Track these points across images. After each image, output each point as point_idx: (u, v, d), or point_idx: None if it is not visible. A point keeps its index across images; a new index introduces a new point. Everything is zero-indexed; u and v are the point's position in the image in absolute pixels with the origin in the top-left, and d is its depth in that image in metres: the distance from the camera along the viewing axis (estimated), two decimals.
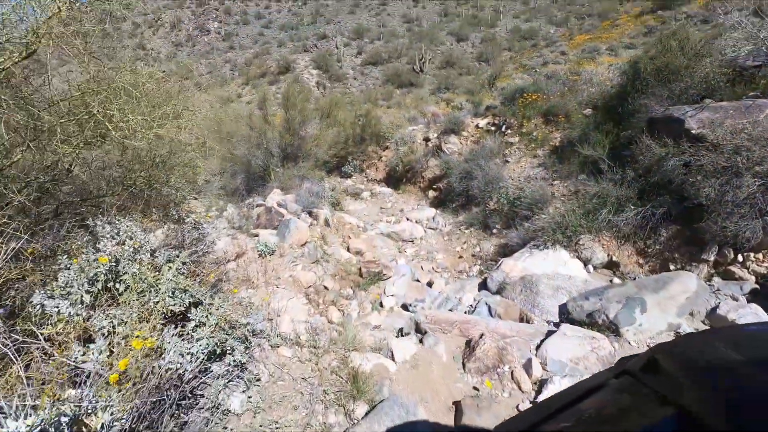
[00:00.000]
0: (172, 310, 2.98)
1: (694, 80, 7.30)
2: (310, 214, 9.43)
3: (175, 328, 2.89)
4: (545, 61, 32.98)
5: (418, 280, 7.80)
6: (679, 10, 30.17)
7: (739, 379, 0.89)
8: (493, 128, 12.80)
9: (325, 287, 6.05)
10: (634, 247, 6.50)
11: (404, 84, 40.30)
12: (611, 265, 6.56)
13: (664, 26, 30.67)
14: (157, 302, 2.93)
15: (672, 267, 6.03)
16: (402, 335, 4.87)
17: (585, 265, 6.62)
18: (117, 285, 2.97)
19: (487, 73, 34.73)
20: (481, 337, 4.17)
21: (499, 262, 7.06)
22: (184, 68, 52.76)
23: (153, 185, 3.90)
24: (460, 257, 8.81)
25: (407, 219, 11.44)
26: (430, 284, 7.48)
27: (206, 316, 3.00)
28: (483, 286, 7.15)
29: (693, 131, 6.39)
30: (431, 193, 12.92)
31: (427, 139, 15.15)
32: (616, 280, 6.28)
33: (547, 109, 11.37)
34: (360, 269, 7.25)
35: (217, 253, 5.76)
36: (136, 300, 2.94)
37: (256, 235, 6.89)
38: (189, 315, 3.01)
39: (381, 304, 6.30)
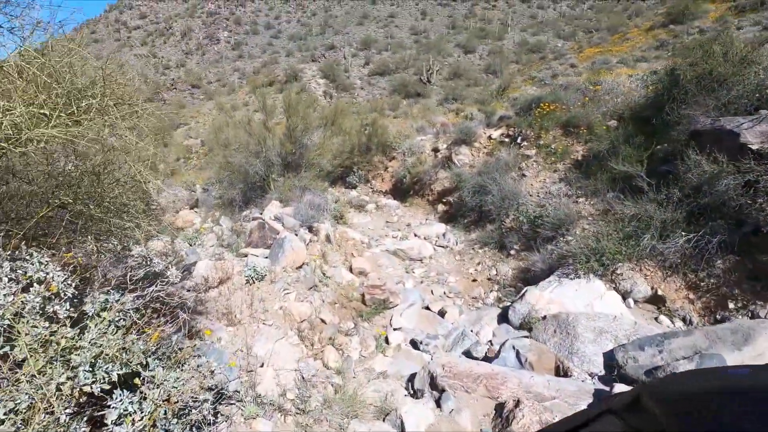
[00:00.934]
0: (89, 392, 2.02)
1: (745, 89, 6.33)
2: (310, 229, 8.48)
3: (89, 424, 1.92)
4: (555, 73, 32.15)
5: (428, 308, 6.81)
6: (692, 25, 29.29)
7: (722, 423, 0.83)
8: (507, 140, 11.85)
9: (322, 320, 5.06)
10: (684, 279, 5.49)
11: (411, 94, 39.52)
12: (655, 300, 5.55)
13: (676, 40, 29.83)
14: (66, 381, 1.96)
15: (731, 305, 5.02)
16: (414, 391, 3.88)
17: (624, 298, 5.61)
18: (11, 352, 2.01)
19: (496, 85, 33.94)
20: (517, 406, 3.18)
21: (522, 291, 6.07)
22: (193, 75, 52.45)
23: (86, 204, 2.97)
24: (474, 280, 7.82)
25: (415, 235, 10.46)
26: (442, 313, 6.48)
27: (138, 402, 2.02)
28: (503, 317, 6.15)
29: (752, 146, 5.40)
30: (440, 207, 11.95)
31: (436, 150, 14.23)
32: (664, 319, 5.26)
33: (567, 120, 10.42)
34: (363, 295, 6.27)
35: (196, 278, 4.81)
36: (38, 375, 1.98)
37: (246, 256, 5.94)
38: (114, 398, 2.04)
39: (387, 340, 5.30)
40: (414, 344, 5.34)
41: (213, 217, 10.78)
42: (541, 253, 6.98)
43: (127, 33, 64.20)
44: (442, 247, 9.52)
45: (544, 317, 5.43)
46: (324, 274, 6.89)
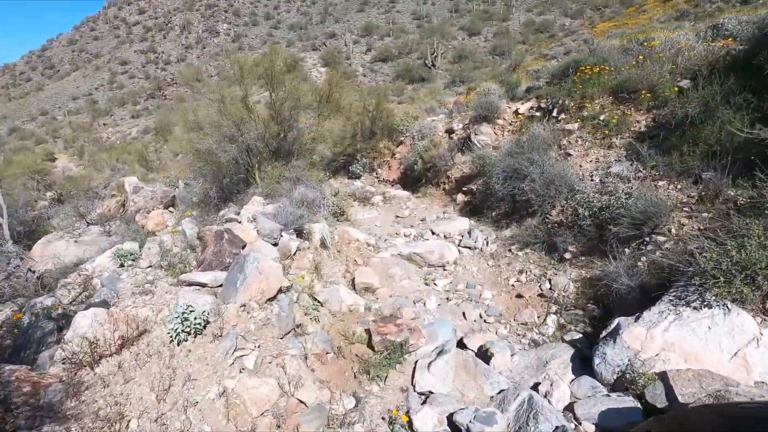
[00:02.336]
0: None
1: None
2: (299, 233, 6.32)
3: None
4: (567, 50, 29.52)
5: (462, 343, 4.64)
6: None
7: None
8: (538, 113, 9.55)
9: (301, 401, 2.91)
10: None
11: (415, 79, 37.04)
12: None
13: (698, 9, 27.05)
14: None
15: None
16: None
17: None
18: None
19: (505, 65, 31.39)
20: None
21: (613, 325, 3.88)
22: (193, 70, 50.12)
23: None
24: (519, 296, 5.63)
25: (432, 233, 8.27)
26: (484, 354, 4.33)
27: None
28: (580, 362, 3.98)
29: None
30: (460, 197, 9.73)
31: (450, 131, 11.95)
32: None
33: (618, 84, 8.09)
34: (369, 334, 4.12)
35: (73, 342, 2.66)
36: None
37: (189, 285, 3.79)
38: None
39: (410, 426, 3.14)
40: (454, 427, 3.18)
41: (190, 217, 8.66)
42: (619, 261, 4.77)
43: (127, 29, 61.78)
44: (469, 248, 7.32)
45: (662, 375, 3.25)
46: (315, 299, 4.75)
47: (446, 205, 9.95)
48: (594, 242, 5.66)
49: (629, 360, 3.50)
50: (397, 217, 9.82)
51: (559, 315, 4.98)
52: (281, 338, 3.44)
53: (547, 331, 4.81)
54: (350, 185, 13.33)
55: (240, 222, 6.37)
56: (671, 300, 3.71)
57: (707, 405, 2.78)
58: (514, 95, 10.92)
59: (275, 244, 5.10)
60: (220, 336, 2.98)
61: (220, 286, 3.77)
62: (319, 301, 4.74)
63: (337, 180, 14.65)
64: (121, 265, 4.45)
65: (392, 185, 13.10)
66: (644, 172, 6.01)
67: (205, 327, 3.03)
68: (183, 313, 2.88)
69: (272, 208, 6.40)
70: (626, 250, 5.06)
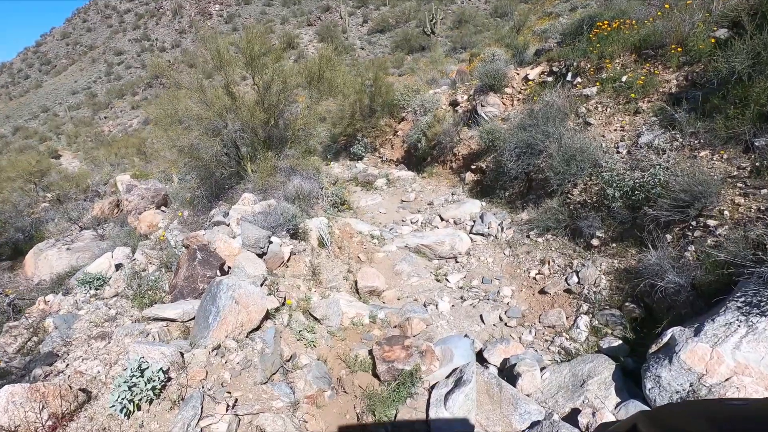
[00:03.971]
0: None
1: None
2: (294, 234, 5.65)
3: None
4: (573, 5, 27.71)
5: (482, 357, 4.00)
6: None
7: None
8: (550, 79, 8.61)
9: None
10: None
11: (415, 49, 35.44)
12: None
13: None
14: None
15: None
16: None
17: None
18: None
19: (508, 27, 29.71)
20: None
21: (665, 338, 3.17)
22: (189, 56, 48.81)
23: None
24: (543, 292, 4.93)
25: (441, 219, 7.55)
26: (510, 373, 3.68)
27: None
28: (622, 380, 3.31)
29: None
30: (469, 176, 8.94)
31: (454, 104, 11.04)
32: None
33: (643, 38, 7.11)
34: (374, 362, 3.48)
35: None
36: None
37: (156, 320, 3.16)
38: None
39: None
40: None
41: (180, 218, 8.04)
42: (661, 250, 4.02)
43: (119, 17, 60.02)
44: (482, 235, 6.60)
45: None
46: (311, 315, 4.12)
47: (454, 185, 9.18)
48: (626, 226, 4.90)
49: (691, 386, 2.82)
50: (403, 201, 9.10)
51: (591, 316, 4.29)
52: (265, 382, 2.81)
53: (578, 335, 4.14)
54: (352, 168, 12.57)
55: (228, 225, 5.72)
56: (739, 307, 2.99)
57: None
58: (522, 60, 9.93)
59: (262, 255, 4.44)
60: (178, 402, 2.36)
61: (193, 319, 3.14)
62: (316, 318, 4.11)
63: (338, 163, 13.89)
64: (89, 290, 3.83)
65: (396, 165, 12.32)
66: (681, 140, 5.16)
67: (163, 389, 2.41)
68: (132, 376, 2.27)
69: (261, 206, 5.71)
70: (667, 236, 4.30)
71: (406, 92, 13.04)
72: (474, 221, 6.98)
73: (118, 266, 5.61)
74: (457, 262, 6.16)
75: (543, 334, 4.36)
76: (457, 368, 3.43)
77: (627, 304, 4.14)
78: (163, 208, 9.52)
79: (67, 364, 2.70)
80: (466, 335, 4.30)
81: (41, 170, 17.56)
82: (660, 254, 3.99)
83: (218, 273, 3.56)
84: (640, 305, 4.03)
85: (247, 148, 7.93)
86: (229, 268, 3.98)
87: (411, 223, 7.83)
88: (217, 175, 7.74)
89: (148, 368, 2.38)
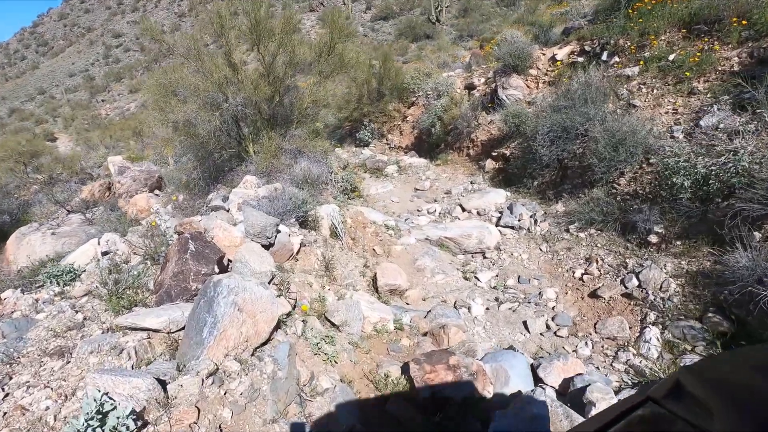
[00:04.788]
0: None
1: None
2: (303, 222, 4.87)
3: None
4: None
5: (537, 377, 3.24)
6: None
7: None
8: (581, 59, 7.79)
9: None
10: None
11: (419, 37, 34.29)
12: None
13: None
14: None
15: None
16: None
17: None
18: None
19: (514, 17, 28.72)
20: None
21: None
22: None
23: None
24: (594, 296, 4.18)
25: (462, 209, 6.77)
26: (575, 400, 2.92)
27: None
28: None
29: None
30: (489, 164, 8.15)
31: (471, 87, 10.21)
32: None
33: (693, 12, 6.31)
34: (409, 380, 2.73)
35: None
36: None
37: (134, 330, 2.38)
38: None
39: None
40: None
41: (175, 203, 7.23)
42: (753, 251, 3.27)
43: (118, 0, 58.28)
44: (512, 228, 5.83)
45: None
46: (328, 320, 3.35)
47: (473, 173, 8.39)
48: (693, 221, 4.14)
49: None
50: (416, 190, 8.32)
51: (662, 327, 3.55)
52: (277, 420, 2.05)
53: (648, 351, 3.39)
54: (358, 154, 11.75)
55: (228, 210, 4.93)
56: None
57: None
58: (547, 40, 9.09)
59: (269, 246, 3.66)
60: None
61: (183, 329, 2.38)
62: (334, 325, 3.34)
63: (343, 149, 13.05)
64: (55, 288, 3.05)
65: (405, 152, 11.50)
66: (756, 123, 4.38)
67: None
68: (87, 426, 1.50)
69: (266, 190, 4.92)
70: (755, 233, 3.55)
71: (417, 75, 12.18)
72: (501, 212, 6.21)
73: (106, 254, 4.84)
74: (485, 257, 5.40)
75: (602, 347, 3.62)
76: (516, 394, 2.67)
77: (710, 315, 3.39)
78: (156, 191, 8.69)
79: (7, 394, 1.94)
80: (511, 347, 3.56)
81: (31, 151, 16.64)
82: (753, 256, 3.24)
83: (215, 269, 2.78)
84: (729, 317, 3.28)
85: (250, 127, 7.11)
86: (230, 261, 3.20)
87: (428, 213, 7.06)
88: (215, 156, 6.91)
89: (113, 410, 1.62)
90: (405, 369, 2.91)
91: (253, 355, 2.31)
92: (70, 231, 8.30)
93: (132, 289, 2.83)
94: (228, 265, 3.18)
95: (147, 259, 3.37)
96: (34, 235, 8.39)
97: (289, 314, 2.98)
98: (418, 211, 7.28)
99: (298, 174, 6.27)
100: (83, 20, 59.25)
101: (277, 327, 2.69)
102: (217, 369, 2.10)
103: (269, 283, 3.10)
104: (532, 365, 3.36)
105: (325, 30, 7.18)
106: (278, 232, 3.85)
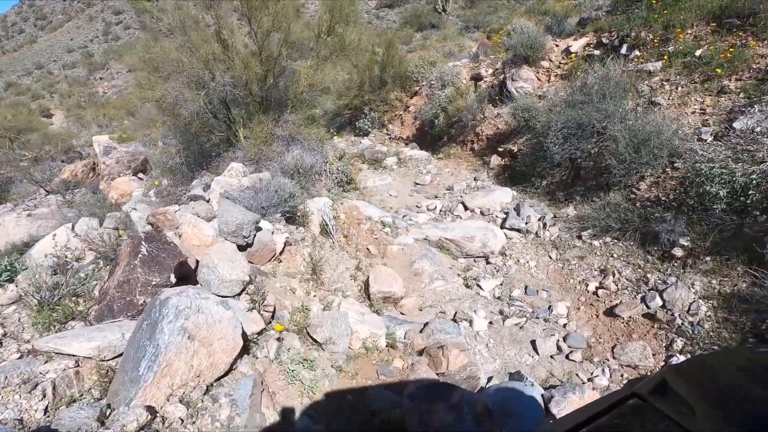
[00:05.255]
0: None
1: None
2: (290, 217, 4.36)
3: None
4: None
5: (548, 410, 2.77)
6: None
7: (757, 408, 0.76)
8: (597, 52, 7.24)
9: None
10: None
11: (425, 26, 33.47)
12: None
13: None
14: None
15: None
16: None
17: None
18: None
19: (523, 8, 27.94)
20: None
21: None
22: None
23: None
24: (611, 314, 3.71)
25: (465, 207, 6.28)
26: None
27: None
28: None
29: None
30: (494, 160, 7.63)
31: (477, 78, 9.63)
32: None
33: (723, 5, 5.77)
34: (401, 421, 2.25)
35: None
36: None
37: (60, 356, 1.89)
38: None
39: None
40: None
41: (158, 188, 6.70)
42: None
43: None
44: (518, 231, 5.35)
45: None
46: (310, 337, 2.87)
47: (476, 169, 7.88)
48: (726, 235, 3.66)
49: None
50: (416, 184, 7.80)
51: (688, 350, 3.08)
52: None
53: None
54: (357, 144, 11.20)
55: (208, 200, 4.42)
56: None
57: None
58: (561, 31, 8.51)
59: (246, 246, 3.16)
60: None
61: (121, 355, 1.88)
62: (317, 342, 2.86)
63: (342, 138, 12.49)
64: None
65: (406, 143, 10.95)
66: None
67: None
68: None
69: (251, 180, 4.40)
70: None
71: (421, 64, 11.57)
72: (506, 213, 5.72)
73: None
74: (488, 263, 4.92)
75: (622, 375, 3.16)
76: None
77: (749, 345, 2.92)
78: (141, 174, 8.15)
79: None
80: (518, 372, 3.09)
81: (18, 126, 15.96)
82: None
83: (171, 278, 2.27)
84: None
85: (240, 110, 6.56)
86: (198, 264, 2.70)
87: (428, 210, 6.56)
88: (203, 140, 6.37)
89: None
90: (397, 402, 2.43)
91: (206, 393, 1.82)
92: (47, 213, 7.76)
93: (73, 297, 2.33)
94: (195, 270, 2.68)
95: (100, 258, 2.86)
96: (8, 216, 7.85)
97: (261, 332, 2.49)
98: (417, 207, 6.78)
99: (290, 163, 5.75)
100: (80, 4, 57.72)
101: (245, 351, 2.20)
102: (154, 417, 1.62)
103: (240, 294, 2.60)
104: (543, 396, 2.89)
105: (325, 9, 6.59)
106: (258, 229, 3.34)
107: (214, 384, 1.90)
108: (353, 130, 12.67)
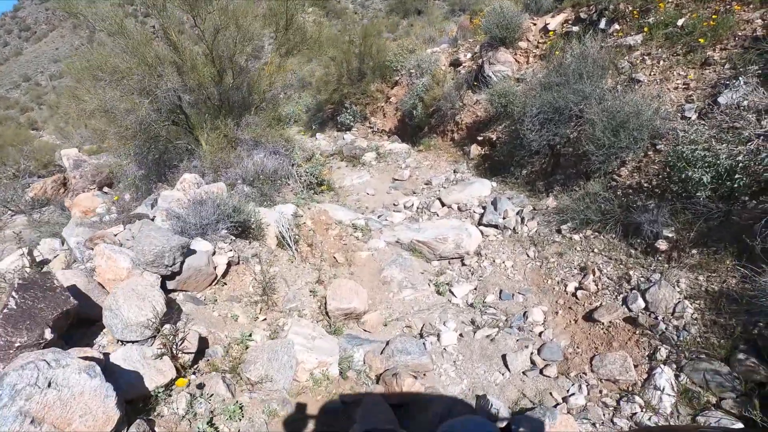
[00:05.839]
0: None
1: None
2: (242, 232, 4.00)
3: None
4: None
5: None
6: None
7: None
8: (576, 28, 6.79)
9: None
10: None
11: (411, 12, 32.76)
12: None
13: None
14: None
15: None
16: None
17: None
18: None
19: None
20: None
21: None
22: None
23: None
24: (589, 318, 3.36)
25: (442, 203, 5.91)
26: None
27: None
28: None
29: None
30: (474, 150, 7.24)
31: (456, 64, 9.18)
32: None
33: None
34: None
35: None
36: None
37: None
38: None
39: None
40: None
41: (118, 203, 6.35)
42: None
43: None
44: (495, 227, 4.99)
45: None
46: (241, 377, 2.54)
47: (456, 160, 7.48)
48: (713, 224, 3.29)
49: None
50: (395, 180, 7.43)
51: (677, 368, 2.74)
52: None
53: (660, 403, 2.60)
54: (339, 139, 10.82)
55: (153, 219, 4.07)
56: None
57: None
58: (539, 8, 8.03)
59: (174, 275, 2.81)
60: None
61: None
62: (250, 381, 2.53)
63: (325, 134, 12.10)
64: None
65: (389, 136, 10.55)
66: None
67: None
68: None
69: (193, 194, 4.03)
70: None
71: (399, 52, 11.10)
72: (484, 208, 5.35)
73: (42, 264, 4.02)
74: (464, 264, 4.57)
75: (600, 392, 2.82)
76: None
77: (740, 355, 2.58)
78: (106, 189, 7.79)
79: None
80: (484, 397, 2.75)
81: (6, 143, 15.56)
82: None
83: (45, 334, 1.90)
84: (767, 360, 2.46)
85: (201, 115, 6.17)
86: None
87: (405, 208, 6.20)
88: (160, 149, 6.00)
89: None
90: None
91: None
92: (11, 235, 7.45)
93: None
94: (101, 316, 2.34)
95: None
96: None
97: (171, 383, 2.15)
98: (394, 205, 6.42)
99: (250, 169, 5.39)
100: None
101: (144, 410, 1.87)
102: None
103: (151, 338, 2.26)
104: (508, 423, 2.55)
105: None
106: (189, 253, 2.99)
107: None
108: (336, 125, 12.25)
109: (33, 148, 14.70)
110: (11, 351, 1.80)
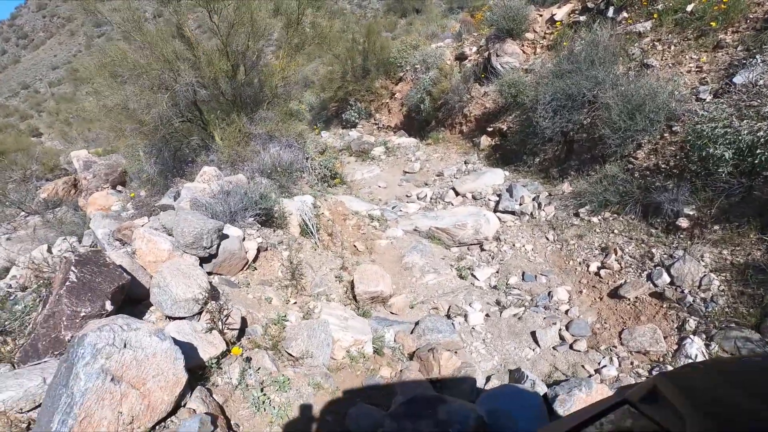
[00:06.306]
0: None
1: None
2: (266, 220, 4.06)
3: None
4: None
5: (552, 409, 2.49)
6: None
7: (744, 416, 0.74)
8: (583, 18, 6.85)
9: None
10: None
11: (409, 11, 32.85)
12: None
13: None
14: None
15: None
16: None
17: None
18: None
19: None
20: None
21: None
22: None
23: None
24: (615, 296, 3.42)
25: (456, 193, 5.97)
26: None
27: None
28: None
29: None
30: (484, 141, 7.30)
31: (462, 58, 9.25)
32: None
33: None
34: None
35: None
36: None
37: None
38: None
39: None
40: None
41: (134, 200, 6.41)
42: None
43: None
44: (512, 213, 5.04)
45: None
46: (286, 351, 2.60)
47: (466, 152, 7.54)
48: (734, 200, 3.35)
49: None
50: (406, 173, 7.48)
51: (707, 338, 2.79)
52: None
53: (690, 357, 2.65)
54: (345, 136, 10.86)
55: (175, 210, 4.12)
56: None
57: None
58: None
59: (210, 257, 2.87)
60: None
61: (38, 407, 1.60)
62: (292, 357, 2.58)
63: (330, 132, 12.14)
64: None
65: (394, 131, 10.60)
66: None
67: None
68: None
69: (222, 184, 4.08)
70: None
71: (403, 48, 11.17)
72: (499, 196, 5.41)
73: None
74: (483, 250, 4.63)
75: (632, 363, 2.87)
76: None
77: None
78: (120, 187, 7.85)
79: None
80: (518, 370, 2.80)
81: (7, 149, 15.64)
82: None
83: (106, 306, 1.97)
84: None
85: (214, 111, 6.23)
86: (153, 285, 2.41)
87: (418, 198, 6.26)
88: (176, 145, 6.06)
89: None
90: (380, 422, 2.15)
91: None
92: (26, 236, 7.50)
93: (1, 335, 2.05)
94: (148, 292, 2.39)
95: (42, 286, 2.57)
96: None
97: (222, 354, 2.21)
98: (407, 196, 6.48)
99: (267, 162, 5.44)
100: (62, 9, 56.87)
101: (201, 379, 1.92)
102: None
103: (198, 314, 2.32)
104: (546, 396, 2.61)
105: None
106: (224, 237, 3.05)
107: (156, 428, 1.62)
108: (340, 123, 12.32)
109: (43, 150, 14.76)
110: (77, 320, 1.85)
